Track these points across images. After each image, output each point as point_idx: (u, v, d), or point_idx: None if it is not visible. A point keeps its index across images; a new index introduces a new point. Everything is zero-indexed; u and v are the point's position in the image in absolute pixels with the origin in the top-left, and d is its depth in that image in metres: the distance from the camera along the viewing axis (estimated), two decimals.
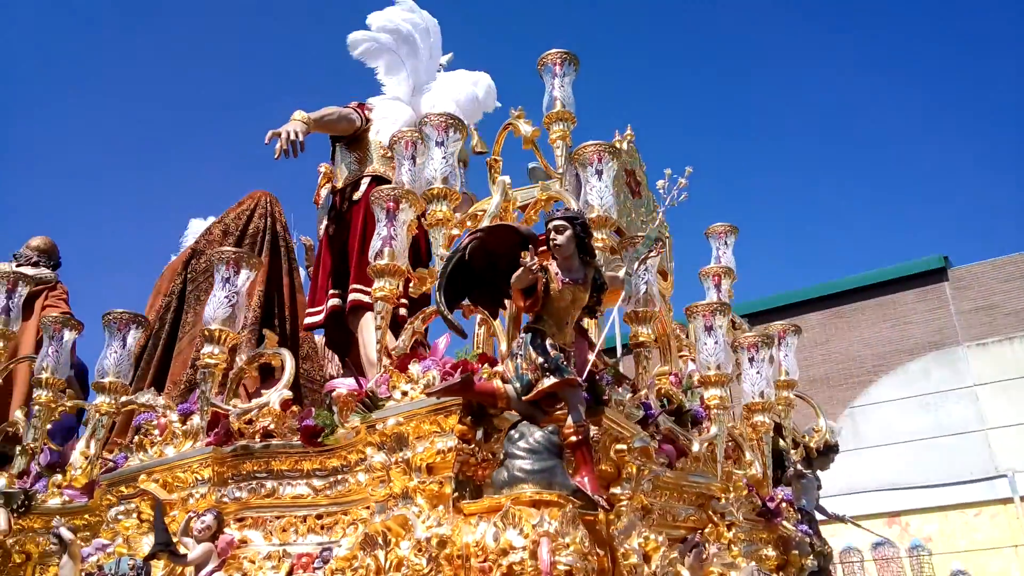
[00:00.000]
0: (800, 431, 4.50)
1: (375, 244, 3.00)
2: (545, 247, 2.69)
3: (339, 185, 4.28)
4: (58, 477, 3.61)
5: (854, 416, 15.14)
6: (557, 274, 2.64)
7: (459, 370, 2.69)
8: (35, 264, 5.22)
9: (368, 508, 2.75)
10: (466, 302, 2.77)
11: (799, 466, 4.31)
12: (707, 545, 3.03)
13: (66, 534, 3.15)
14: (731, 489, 3.39)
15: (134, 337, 3.46)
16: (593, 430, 2.65)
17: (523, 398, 2.55)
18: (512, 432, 2.53)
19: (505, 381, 2.61)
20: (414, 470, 2.59)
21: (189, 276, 4.61)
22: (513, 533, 2.33)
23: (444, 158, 3.08)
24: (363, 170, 4.21)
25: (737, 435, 3.71)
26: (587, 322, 3.12)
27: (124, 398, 3.44)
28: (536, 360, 2.54)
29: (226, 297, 3.01)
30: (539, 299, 2.61)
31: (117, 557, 2.98)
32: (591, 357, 2.80)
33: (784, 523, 3.82)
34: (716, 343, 3.36)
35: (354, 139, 4.27)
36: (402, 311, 3.93)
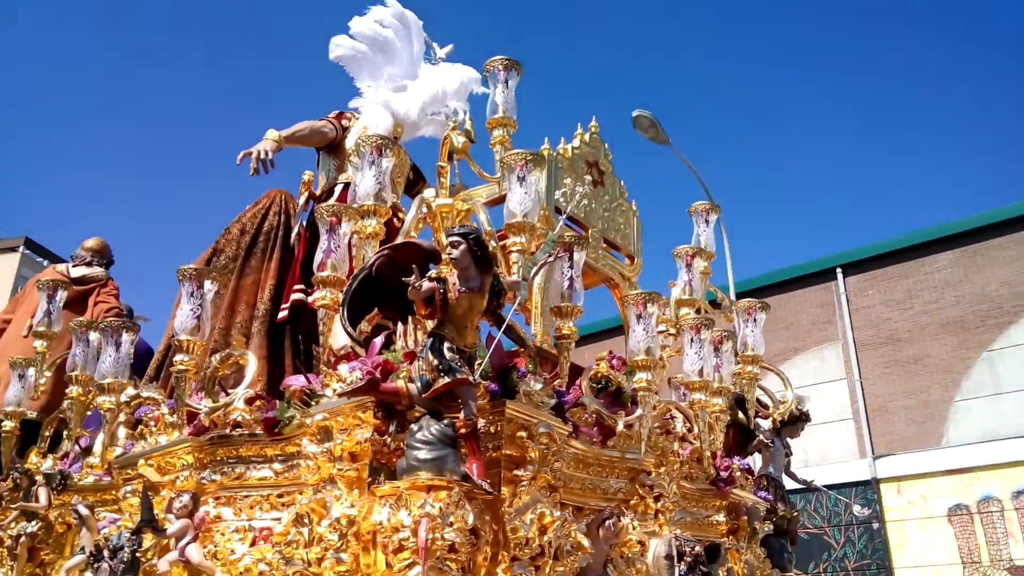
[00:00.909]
0: (774, 401, 4.71)
1: (318, 257, 3.41)
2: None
3: (317, 192, 4.68)
4: (91, 459, 4.20)
5: (992, 360, 14.68)
6: (454, 284, 2.98)
7: (379, 369, 3.09)
8: (88, 263, 5.86)
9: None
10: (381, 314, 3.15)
11: (767, 435, 4.53)
12: (621, 516, 3.34)
13: (83, 510, 3.73)
14: (664, 463, 3.67)
15: (128, 340, 3.97)
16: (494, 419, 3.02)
17: (423, 396, 2.93)
18: (413, 426, 2.91)
19: (411, 381, 2.99)
20: (336, 459, 3.01)
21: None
22: (403, 514, 2.72)
23: (375, 176, 3.43)
24: (339, 177, 4.60)
25: (688, 411, 3.98)
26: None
27: (131, 391, 3.97)
28: (433, 362, 2.91)
29: (191, 310, 3.47)
30: (437, 307, 2.97)
31: (121, 529, 3.53)
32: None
33: (736, 491, 4.08)
34: (645, 330, 3.63)
35: (333, 147, 4.66)
36: None
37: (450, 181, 4.03)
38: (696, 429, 4.00)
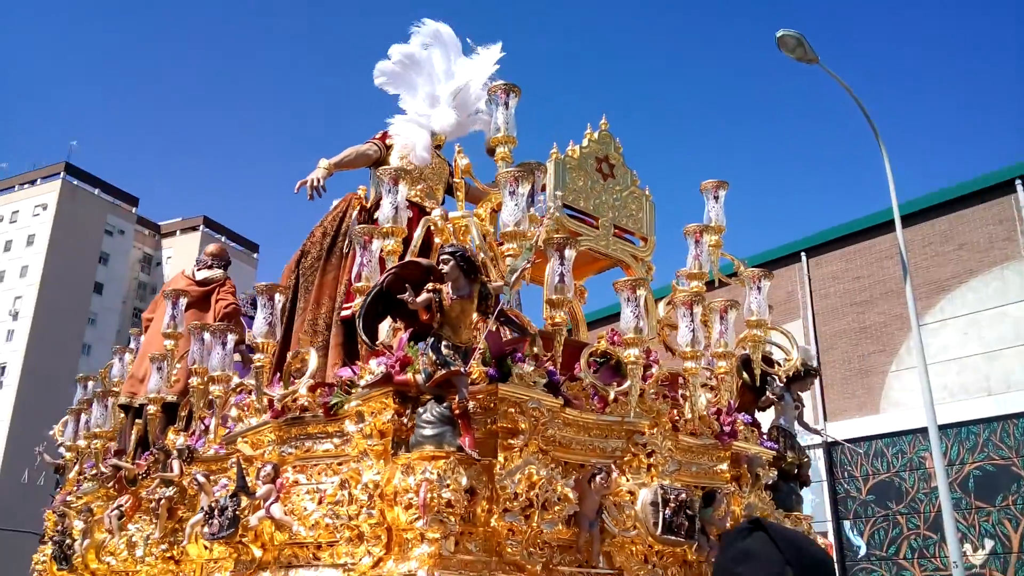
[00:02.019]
0: (788, 356, 5.21)
1: (354, 270, 4.22)
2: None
3: (367, 205, 5.46)
4: (210, 436, 5.23)
5: None
6: (448, 293, 3.73)
7: (400, 363, 3.88)
8: (210, 267, 6.93)
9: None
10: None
11: (778, 390, 5.05)
12: (611, 470, 4.02)
13: (200, 478, 4.75)
14: (658, 424, 4.30)
15: (232, 340, 4.93)
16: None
17: (427, 385, 3.70)
18: (420, 409, 3.70)
19: (418, 373, 3.76)
20: (367, 436, 3.84)
21: (300, 272, 6.03)
22: (411, 479, 3.53)
23: (391, 203, 4.19)
24: None
25: (689, 376, 4.58)
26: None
27: (236, 380, 4.95)
28: (432, 357, 3.67)
29: (264, 317, 4.37)
30: (435, 313, 3.73)
31: (226, 493, 4.51)
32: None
33: (738, 443, 4.66)
34: (633, 312, 4.25)
35: (380, 163, 5.43)
36: None
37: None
38: (698, 392, 4.61)
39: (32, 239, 64.76)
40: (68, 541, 6.12)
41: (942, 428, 12.70)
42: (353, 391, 4.00)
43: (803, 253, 20.23)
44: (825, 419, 18.68)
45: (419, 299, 3.67)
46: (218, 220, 74.84)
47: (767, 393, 5.00)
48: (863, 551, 17.31)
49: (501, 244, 4.27)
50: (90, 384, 7.14)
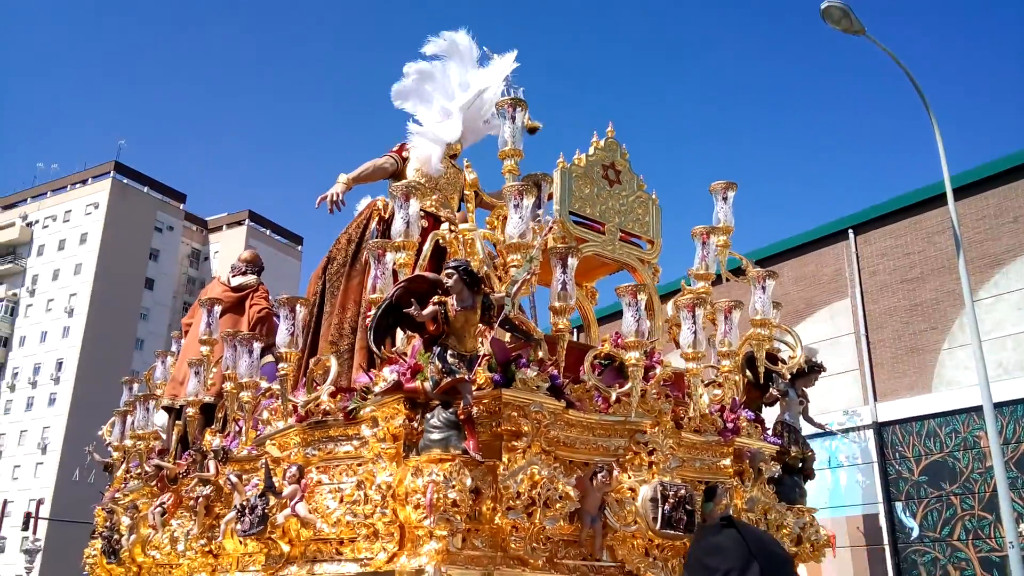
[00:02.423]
0: (792, 354, 5.37)
1: (369, 283, 4.48)
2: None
3: (386, 216, 5.70)
4: (243, 438, 5.54)
5: None
6: (452, 305, 3.97)
7: (410, 371, 4.14)
8: (244, 273, 7.26)
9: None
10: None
11: (782, 386, 5.22)
12: (611, 469, 4.25)
13: (233, 478, 5.07)
14: (659, 423, 4.51)
15: (258, 348, 5.24)
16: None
17: (434, 391, 3.95)
18: (428, 414, 3.95)
19: (426, 380, 4.01)
20: (381, 440, 4.11)
21: (327, 278, 6.30)
22: (420, 481, 3.79)
23: (403, 218, 4.44)
24: None
25: (690, 376, 4.78)
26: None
27: (265, 386, 5.25)
28: (439, 366, 3.92)
29: (287, 328, 4.66)
30: (440, 324, 3.97)
31: (256, 492, 4.81)
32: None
33: (740, 439, 4.84)
34: (634, 316, 4.46)
35: (397, 176, 5.68)
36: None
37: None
38: (700, 391, 4.80)
39: (85, 237, 66.38)
40: (116, 536, 6.51)
41: (997, 406, 12.39)
42: (369, 397, 4.27)
43: (851, 230, 19.37)
44: (875, 399, 18.61)
45: (425, 312, 3.92)
46: (263, 214, 75.89)
47: (771, 390, 5.16)
48: (916, 532, 16.90)
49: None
50: (135, 386, 7.53)
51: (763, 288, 5.18)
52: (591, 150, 5.24)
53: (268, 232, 74.79)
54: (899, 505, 17.61)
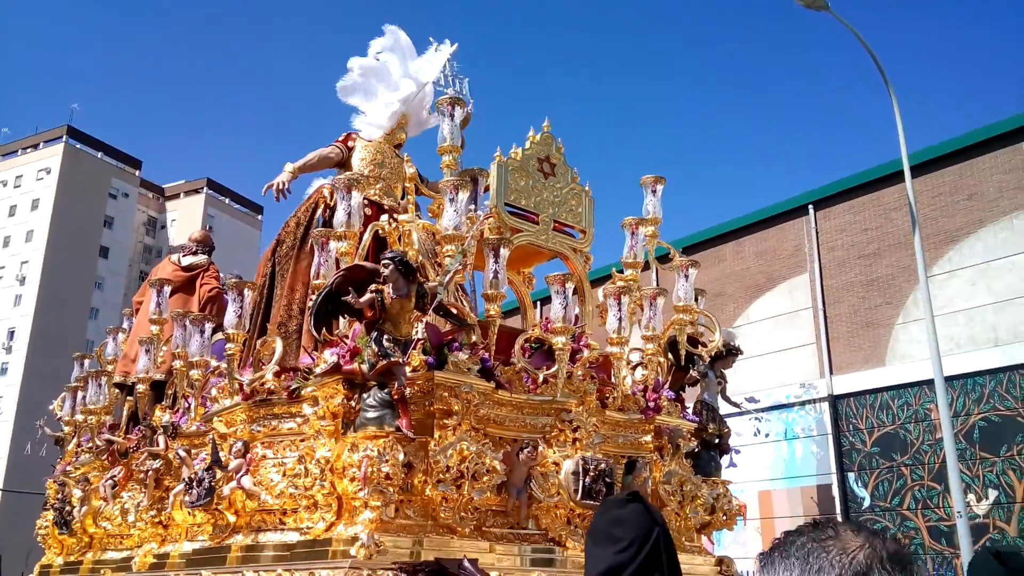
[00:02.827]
0: (712, 338, 5.73)
1: (313, 269, 4.73)
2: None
3: (331, 202, 5.93)
4: (192, 414, 5.78)
5: None
6: (389, 293, 4.25)
7: (350, 353, 4.41)
8: (194, 253, 7.45)
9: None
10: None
11: (702, 368, 5.58)
12: (536, 445, 4.57)
13: (181, 452, 5.32)
14: (584, 403, 4.84)
15: (209, 329, 5.47)
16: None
17: (370, 373, 4.23)
18: (364, 395, 4.24)
19: (363, 363, 4.29)
20: (321, 418, 4.39)
21: (276, 260, 6.54)
22: (356, 456, 4.08)
23: (345, 210, 4.70)
24: None
25: (614, 359, 5.11)
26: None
27: (214, 364, 5.49)
28: (375, 349, 4.20)
29: (234, 311, 4.90)
30: (377, 310, 4.25)
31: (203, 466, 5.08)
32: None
33: (660, 417, 5.20)
34: (561, 303, 4.77)
35: (342, 164, 5.92)
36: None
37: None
38: (624, 373, 5.14)
39: (36, 203, 65.20)
40: (67, 508, 6.72)
41: (948, 379, 12.66)
42: (310, 377, 4.54)
43: (811, 206, 19.78)
44: (831, 372, 19.03)
45: (363, 299, 4.19)
46: (222, 182, 75.06)
47: (691, 371, 5.52)
48: (867, 502, 17.44)
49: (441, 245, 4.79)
50: (86, 362, 7.71)
51: (686, 277, 5.52)
52: (527, 144, 5.52)
53: (227, 201, 74.02)
54: (852, 475, 18.07)
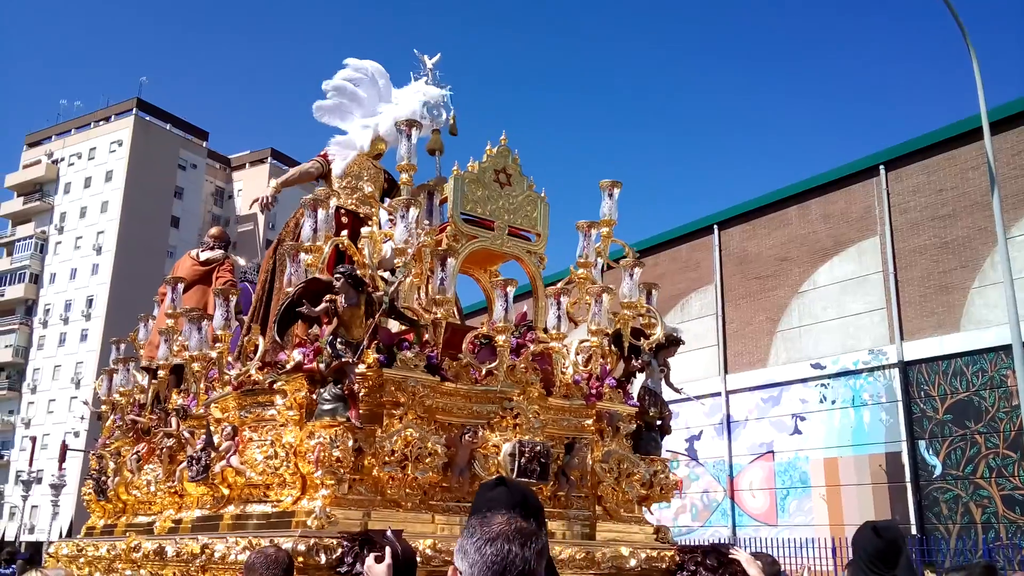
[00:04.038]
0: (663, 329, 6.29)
1: (285, 279, 5.45)
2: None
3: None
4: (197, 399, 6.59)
5: None
6: (341, 302, 4.95)
7: (314, 351, 5.13)
8: (212, 248, 8.26)
9: None
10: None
11: (646, 357, 6.16)
12: (478, 430, 5.25)
13: (186, 433, 6.13)
14: (524, 392, 5.49)
15: (206, 326, 6.25)
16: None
17: (327, 371, 4.95)
18: (322, 389, 4.96)
19: (322, 363, 5.01)
20: (288, 408, 5.13)
21: (277, 258, 7.28)
22: (313, 441, 4.81)
23: (311, 226, 5.39)
24: (329, 200, 6.55)
25: (555, 353, 5.74)
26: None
27: (220, 346, 6.28)
28: (329, 351, 4.91)
29: (222, 315, 5.66)
30: (332, 317, 4.96)
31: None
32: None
33: (601, 403, 5.81)
34: (502, 305, 5.41)
35: (324, 176, 6.62)
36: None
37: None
38: (566, 363, 5.77)
39: (110, 175, 67.62)
40: (104, 478, 7.66)
41: None
42: (283, 372, 5.28)
43: (882, 166, 19.84)
44: (901, 338, 18.72)
45: (318, 308, 4.90)
46: (285, 152, 76.68)
47: (633, 360, 6.11)
48: (939, 470, 17.62)
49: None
50: (122, 347, 8.62)
51: (631, 275, 6.09)
52: (484, 157, 6.13)
53: (286, 168, 75.48)
54: (922, 443, 18.02)
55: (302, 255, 5.45)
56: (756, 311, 22.81)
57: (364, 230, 5.83)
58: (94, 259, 65.25)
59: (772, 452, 21.72)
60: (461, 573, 1.82)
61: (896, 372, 18.67)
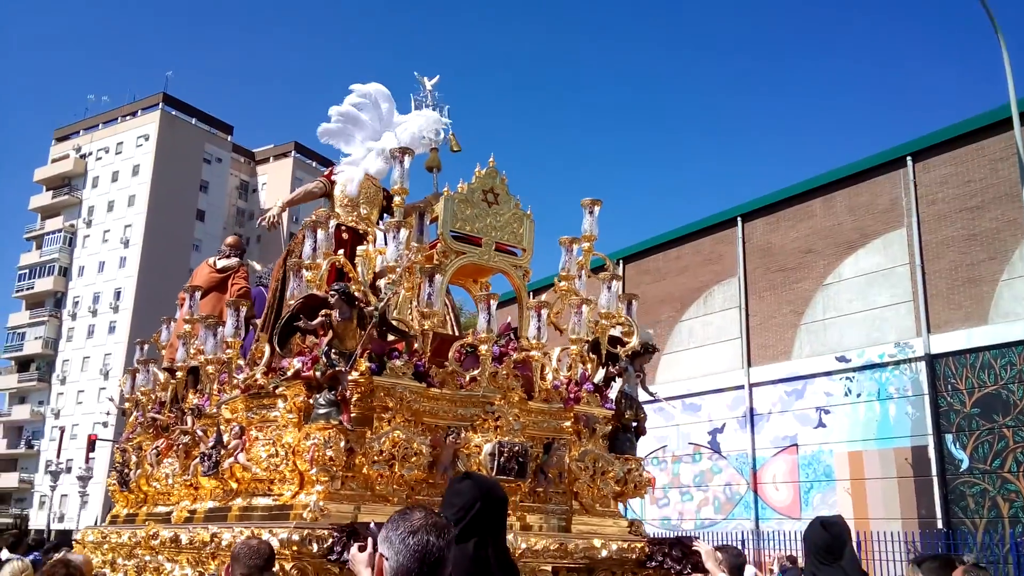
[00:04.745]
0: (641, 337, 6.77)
1: (289, 292, 5.99)
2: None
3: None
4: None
5: None
6: (335, 316, 5.48)
7: (312, 359, 5.66)
8: (228, 256, 8.83)
9: None
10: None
11: (623, 363, 6.65)
12: (461, 431, 5.76)
13: (199, 432, 6.70)
14: (506, 397, 5.99)
15: (220, 333, 6.80)
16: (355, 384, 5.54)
17: (322, 378, 5.48)
18: (318, 395, 5.49)
19: (318, 371, 5.54)
20: (288, 411, 5.66)
21: (286, 268, 7.82)
22: (308, 442, 5.35)
23: (311, 245, 5.92)
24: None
25: (534, 361, 6.24)
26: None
27: (230, 352, 6.83)
28: (324, 361, 5.44)
29: (233, 324, 6.21)
30: (327, 330, 5.49)
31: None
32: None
33: (579, 406, 6.31)
34: (485, 318, 5.92)
35: (327, 195, 7.15)
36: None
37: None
38: (548, 373, 6.27)
39: (137, 169, 68.73)
40: (126, 470, 8.26)
41: None
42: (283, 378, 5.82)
43: (909, 158, 19.62)
44: (928, 331, 18.51)
45: (314, 322, 5.44)
46: (309, 146, 77.54)
47: (610, 367, 6.60)
48: (966, 464, 17.50)
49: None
50: (145, 347, 9.22)
51: (608, 287, 6.58)
52: (473, 179, 6.63)
53: (314, 164, 76.54)
54: (949, 437, 17.83)
55: (303, 271, 5.98)
56: (780, 304, 22.82)
57: (360, 248, 6.36)
58: (122, 252, 66.38)
59: (796, 445, 21.80)
60: (387, 559, 2.32)
61: (923, 365, 18.44)
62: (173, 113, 71.53)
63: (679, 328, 25.81)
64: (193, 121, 73.06)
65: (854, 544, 5.27)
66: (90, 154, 71.92)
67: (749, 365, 23.32)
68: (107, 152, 71.11)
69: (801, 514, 21.07)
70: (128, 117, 72.15)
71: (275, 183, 73.74)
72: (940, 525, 17.66)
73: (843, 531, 4.92)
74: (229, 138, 76.20)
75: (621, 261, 27.85)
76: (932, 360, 18.60)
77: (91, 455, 39.24)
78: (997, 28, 12.54)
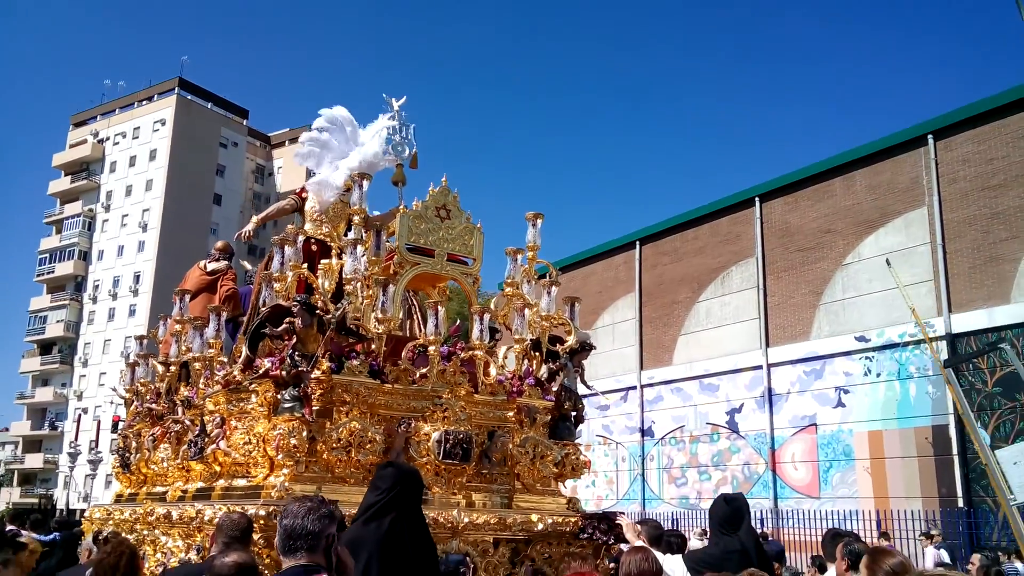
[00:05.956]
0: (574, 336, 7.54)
1: (262, 300, 6.82)
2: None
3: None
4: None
5: None
6: (298, 324, 6.30)
7: (281, 360, 6.50)
8: (217, 259, 9.65)
9: None
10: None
11: (563, 360, 7.44)
12: (412, 422, 6.58)
13: (187, 421, 7.56)
14: (453, 391, 6.81)
15: (207, 333, 7.64)
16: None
17: (287, 377, 6.31)
18: (284, 391, 6.32)
19: (284, 371, 6.36)
20: (260, 405, 6.50)
21: (265, 275, 8.64)
22: (275, 432, 6.19)
23: (279, 260, 6.74)
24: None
25: (478, 359, 7.04)
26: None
27: (212, 351, 7.68)
28: (289, 362, 6.27)
29: (213, 328, 7.04)
30: (291, 335, 6.31)
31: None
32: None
33: (521, 399, 7.11)
34: (434, 322, 6.72)
35: (299, 211, 7.96)
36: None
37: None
38: (492, 369, 7.08)
39: (154, 154, 69.74)
40: (127, 454, 9.15)
41: None
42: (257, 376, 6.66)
43: (930, 136, 19.42)
44: (949, 310, 18.47)
45: (279, 329, 6.26)
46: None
47: (551, 363, 7.39)
48: (987, 443, 16.76)
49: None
50: (144, 342, 10.09)
51: (548, 292, 7.36)
52: (427, 197, 7.41)
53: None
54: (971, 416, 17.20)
55: (276, 283, 6.81)
56: (798, 284, 22.85)
57: (324, 262, 7.18)
58: (140, 236, 67.47)
59: (815, 425, 21.90)
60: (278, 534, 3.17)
61: (944, 344, 18.36)
62: (189, 98, 72.42)
63: (697, 308, 26.02)
64: (209, 106, 73.94)
65: (751, 517, 6.03)
66: (107, 139, 72.95)
67: (767, 345, 23.40)
68: (124, 137, 72.11)
69: (820, 493, 21.28)
70: (144, 102, 73.11)
71: (291, 166, 74.56)
72: (961, 504, 17.82)
73: (742, 506, 5.72)
74: (245, 122, 77.09)
75: (638, 242, 28.29)
76: (953, 339, 18.38)
77: (98, 441, 40.39)
78: (1020, 3, 12.49)
